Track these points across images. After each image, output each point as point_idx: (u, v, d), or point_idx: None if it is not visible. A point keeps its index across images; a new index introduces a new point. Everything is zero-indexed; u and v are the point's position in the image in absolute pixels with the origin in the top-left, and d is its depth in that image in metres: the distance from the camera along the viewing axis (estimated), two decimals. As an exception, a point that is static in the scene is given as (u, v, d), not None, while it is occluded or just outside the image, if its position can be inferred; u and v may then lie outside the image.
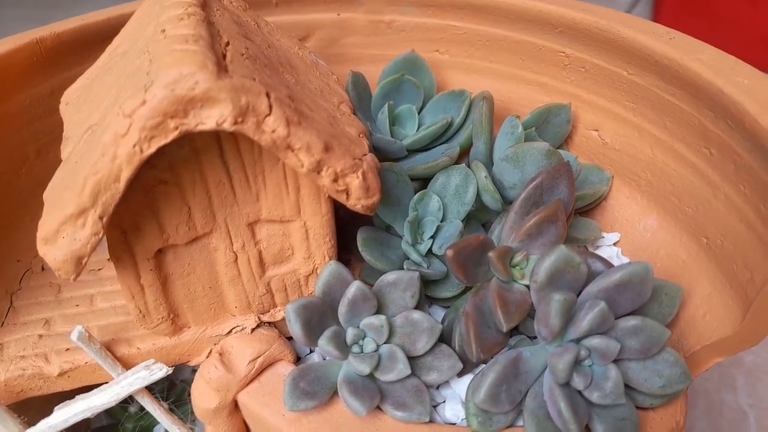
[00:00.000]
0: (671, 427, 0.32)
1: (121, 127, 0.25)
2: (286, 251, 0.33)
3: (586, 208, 0.41)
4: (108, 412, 0.41)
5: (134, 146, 0.25)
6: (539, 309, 0.30)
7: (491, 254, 0.32)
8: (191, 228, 0.31)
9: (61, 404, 0.32)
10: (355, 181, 0.29)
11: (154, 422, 0.41)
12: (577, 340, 0.30)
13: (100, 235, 0.27)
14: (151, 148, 0.25)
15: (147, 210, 0.29)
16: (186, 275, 0.32)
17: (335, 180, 0.29)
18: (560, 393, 0.30)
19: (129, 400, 0.40)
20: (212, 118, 0.25)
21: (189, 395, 0.39)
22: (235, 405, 0.35)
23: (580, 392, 0.31)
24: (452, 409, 0.33)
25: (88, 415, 0.32)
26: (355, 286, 0.32)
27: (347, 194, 0.30)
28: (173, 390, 0.42)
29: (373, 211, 0.31)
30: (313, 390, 0.32)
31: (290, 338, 0.37)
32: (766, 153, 0.29)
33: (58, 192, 0.28)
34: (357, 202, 0.30)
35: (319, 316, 0.32)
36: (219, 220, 0.31)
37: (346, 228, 0.39)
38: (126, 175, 0.26)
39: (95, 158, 0.26)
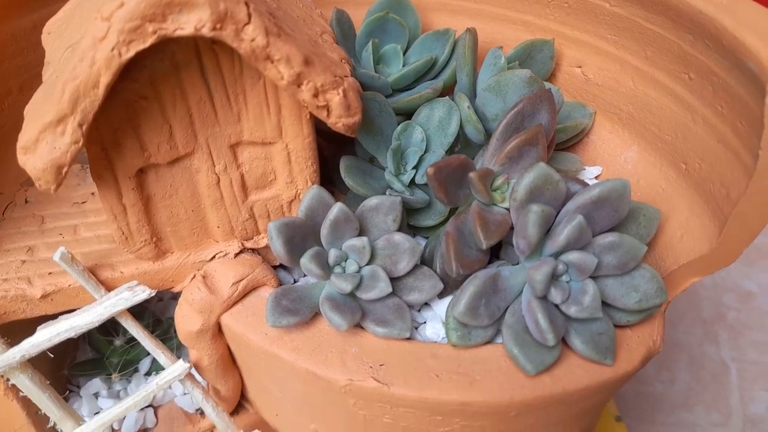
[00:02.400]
0: (648, 346, 0.33)
1: (99, 30, 0.25)
2: (268, 175, 0.34)
3: (569, 143, 0.41)
4: (93, 346, 0.42)
5: (112, 50, 0.25)
6: (518, 223, 0.30)
7: (472, 174, 0.32)
8: (172, 147, 0.31)
9: (45, 324, 0.32)
10: (335, 98, 0.30)
11: (140, 356, 0.41)
12: (556, 255, 0.31)
13: (80, 144, 0.27)
14: (129, 52, 0.25)
15: (127, 126, 0.29)
16: (168, 197, 0.32)
17: (315, 95, 0.29)
18: (538, 305, 0.30)
19: (113, 333, 0.41)
20: (191, 22, 0.25)
21: (175, 331, 0.39)
22: (219, 329, 0.35)
23: (557, 307, 0.31)
24: (433, 328, 0.33)
25: (71, 335, 0.32)
26: (337, 208, 0.32)
27: (328, 111, 0.30)
28: (159, 326, 0.42)
29: (354, 131, 0.32)
30: (295, 307, 0.32)
31: (276, 267, 0.37)
32: (743, 68, 0.29)
33: (38, 105, 0.28)
34: (338, 120, 0.30)
35: (302, 236, 0.32)
36: (200, 140, 0.31)
37: (330, 163, 0.39)
38: (105, 80, 0.26)
39: (74, 64, 0.26)
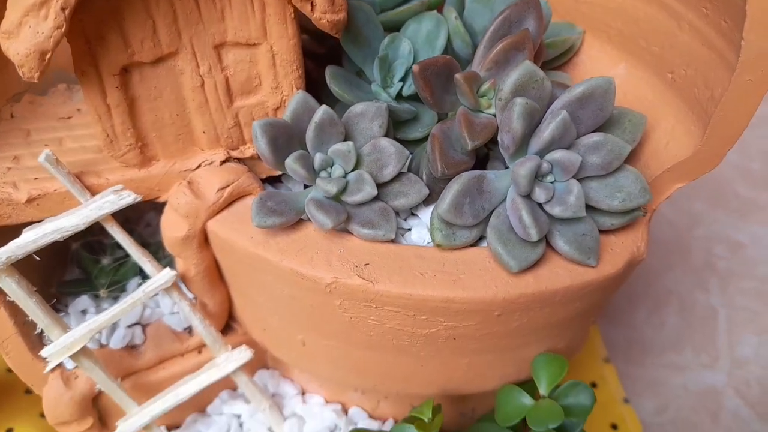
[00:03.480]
0: (632, 251, 0.33)
1: None
2: (253, 80, 0.33)
3: (558, 62, 0.41)
4: (80, 266, 0.42)
5: (92, -73, 0.25)
6: (503, 119, 0.30)
7: (458, 76, 0.32)
8: (156, 44, 0.31)
9: (31, 226, 0.32)
10: (320, -9, 0.29)
11: (127, 275, 0.41)
12: (541, 155, 0.31)
13: (63, 30, 0.27)
14: (109, -70, 0.25)
15: (111, 19, 0.29)
16: (153, 99, 0.32)
17: (299, -12, 0.29)
18: (522, 202, 0.30)
19: (101, 251, 0.41)
20: None
21: (163, 254, 0.39)
22: (205, 239, 0.35)
23: (541, 207, 0.31)
24: (418, 234, 0.33)
25: (57, 237, 0.32)
26: (322, 110, 0.32)
27: (312, 4, 0.30)
28: (147, 248, 0.42)
29: (339, 30, 0.31)
30: (281, 209, 0.32)
31: (263, 180, 0.37)
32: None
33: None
34: (322, 16, 0.30)
35: (287, 138, 0.32)
36: (185, 39, 0.31)
37: (318, 86, 0.39)
38: (85, -39, 0.26)
39: (54, -56, 0.26)
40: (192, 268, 0.35)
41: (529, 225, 0.30)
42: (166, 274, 0.34)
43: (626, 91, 0.38)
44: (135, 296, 0.34)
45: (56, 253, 0.41)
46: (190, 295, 0.38)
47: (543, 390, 0.36)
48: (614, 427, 0.59)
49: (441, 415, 0.34)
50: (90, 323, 0.34)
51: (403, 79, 0.37)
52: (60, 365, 0.38)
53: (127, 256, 0.40)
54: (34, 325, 0.35)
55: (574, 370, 0.61)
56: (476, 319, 0.32)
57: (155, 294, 0.35)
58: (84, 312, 0.40)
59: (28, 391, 0.59)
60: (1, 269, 0.32)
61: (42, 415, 0.57)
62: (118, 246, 0.41)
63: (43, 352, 0.34)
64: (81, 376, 0.38)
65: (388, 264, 0.31)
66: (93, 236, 0.42)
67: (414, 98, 0.37)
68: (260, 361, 0.44)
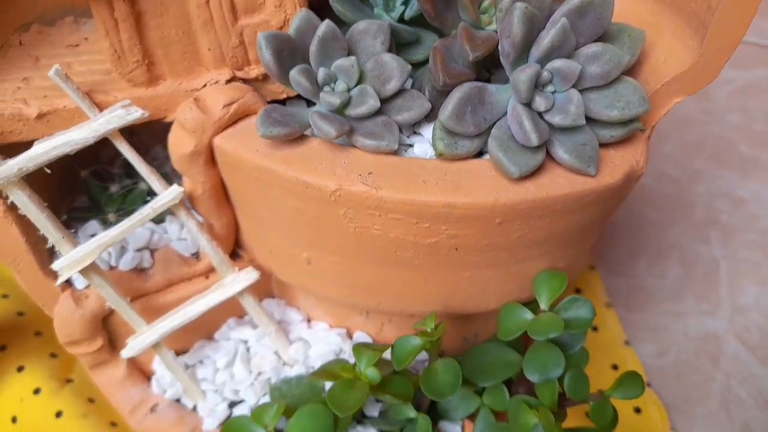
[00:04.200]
0: (631, 164, 0.34)
1: None
2: (258, -2, 0.34)
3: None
4: (89, 195, 0.42)
5: None
6: (503, 27, 0.31)
7: (458, -11, 0.32)
8: (162, -43, 0.31)
9: (41, 139, 0.33)
10: None
11: (135, 202, 0.42)
12: (541, 64, 0.31)
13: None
14: None
15: (118, -71, 0.30)
16: (159, 15, 0.33)
17: None
18: (522, 110, 0.31)
19: (109, 179, 0.41)
20: None
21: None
22: (212, 157, 0.36)
23: (541, 116, 0.32)
24: (420, 148, 0.34)
25: (67, 150, 0.33)
26: (325, 24, 0.33)
27: None
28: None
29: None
30: (285, 120, 0.33)
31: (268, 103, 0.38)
32: None
33: None
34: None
35: (290, 51, 0.33)
36: (190, -47, 0.32)
37: (317, 4, 0.39)
38: None
39: None
40: (199, 186, 0.36)
41: (530, 130, 0.30)
42: (174, 191, 0.35)
43: (626, 17, 0.38)
44: (143, 212, 0.35)
45: (66, 181, 0.42)
46: (199, 218, 0.38)
47: (543, 305, 0.37)
48: (615, 367, 0.60)
49: (443, 324, 0.35)
50: (99, 238, 0.35)
51: (405, 3, 0.37)
52: (71, 285, 0.39)
53: (135, 184, 0.41)
54: (45, 243, 0.36)
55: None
56: (477, 228, 0.32)
57: (163, 210, 0.35)
58: (93, 236, 0.41)
59: (38, 333, 0.60)
60: (13, 182, 0.33)
61: (52, 355, 0.58)
62: (127, 175, 0.42)
63: (54, 265, 0.35)
64: (91, 295, 0.39)
65: (391, 173, 0.32)
66: (101, 165, 0.43)
67: (416, 22, 0.37)
68: (266, 291, 0.45)
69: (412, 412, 0.40)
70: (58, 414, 0.54)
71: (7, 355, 0.57)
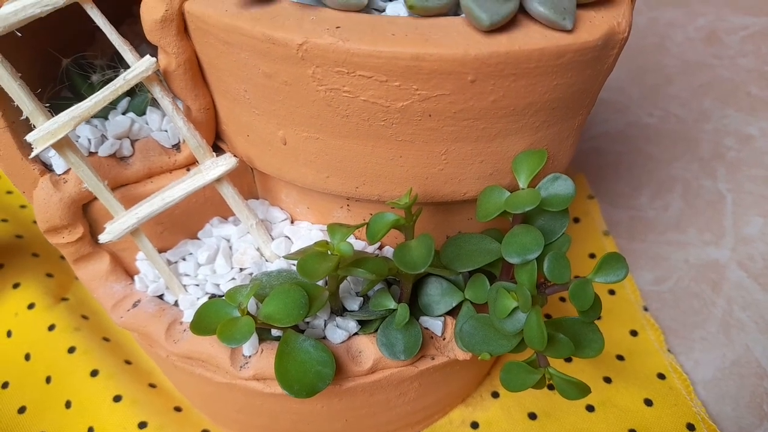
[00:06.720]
0: (611, 24, 0.33)
1: None
2: None
3: None
4: (70, 83, 0.42)
5: None
6: None
7: None
8: None
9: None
10: None
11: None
12: None
13: None
14: None
15: None
16: None
17: None
18: (493, -45, 0.30)
19: (90, 69, 0.41)
20: None
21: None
22: (184, 27, 0.35)
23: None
24: (393, 8, 0.33)
25: (36, 12, 0.33)
26: None
27: None
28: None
29: None
30: (254, -22, 0.32)
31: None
32: None
33: None
34: None
35: None
36: None
37: None
38: None
39: None
40: (173, 60, 0.36)
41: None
42: (147, 61, 0.35)
43: None
44: (116, 83, 0.35)
45: (49, 71, 0.42)
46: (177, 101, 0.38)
47: (522, 183, 0.36)
48: (593, 256, 0.60)
49: (421, 208, 0.34)
50: (73, 110, 0.35)
51: None
52: (50, 170, 0.39)
53: (116, 74, 0.41)
54: (24, 126, 0.36)
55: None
56: (449, 87, 0.31)
57: (137, 83, 0.35)
58: (73, 124, 0.41)
59: (35, 254, 0.61)
60: (-15, 46, 0.33)
61: (48, 275, 0.59)
62: (109, 66, 0.42)
63: (28, 137, 0.34)
64: (69, 180, 0.38)
65: (359, 27, 0.31)
66: (83, 57, 0.42)
67: None
68: (250, 192, 0.45)
69: (391, 303, 0.39)
70: (51, 327, 0.55)
71: (3, 273, 0.58)
